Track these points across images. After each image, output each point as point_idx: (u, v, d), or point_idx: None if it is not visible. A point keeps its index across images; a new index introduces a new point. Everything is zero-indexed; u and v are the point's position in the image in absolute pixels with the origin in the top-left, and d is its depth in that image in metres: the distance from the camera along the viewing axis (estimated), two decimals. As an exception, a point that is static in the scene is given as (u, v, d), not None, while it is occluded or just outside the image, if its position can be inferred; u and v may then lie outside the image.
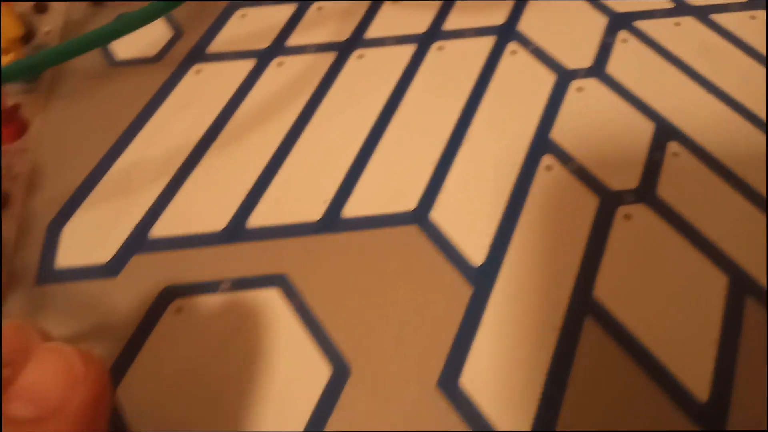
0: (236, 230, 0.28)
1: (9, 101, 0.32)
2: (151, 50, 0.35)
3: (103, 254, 0.28)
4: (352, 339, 0.25)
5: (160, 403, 0.24)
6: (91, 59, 0.34)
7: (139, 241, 0.28)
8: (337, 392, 0.24)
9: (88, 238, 0.28)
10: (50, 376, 0.18)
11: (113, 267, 0.27)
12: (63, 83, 0.34)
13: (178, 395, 0.24)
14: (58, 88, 0.34)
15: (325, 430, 0.24)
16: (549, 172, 0.29)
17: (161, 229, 0.28)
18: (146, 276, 0.27)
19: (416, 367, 0.25)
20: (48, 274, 0.27)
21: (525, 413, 0.24)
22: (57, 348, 0.18)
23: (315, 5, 0.37)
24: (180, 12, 0.37)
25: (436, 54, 0.34)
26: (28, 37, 0.35)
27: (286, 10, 0.37)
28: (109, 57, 0.35)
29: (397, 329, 0.26)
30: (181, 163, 0.30)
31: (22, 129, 0.32)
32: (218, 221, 0.29)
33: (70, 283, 0.27)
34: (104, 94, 0.33)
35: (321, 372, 0.25)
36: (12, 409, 0.17)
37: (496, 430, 0.23)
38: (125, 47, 0.35)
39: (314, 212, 0.29)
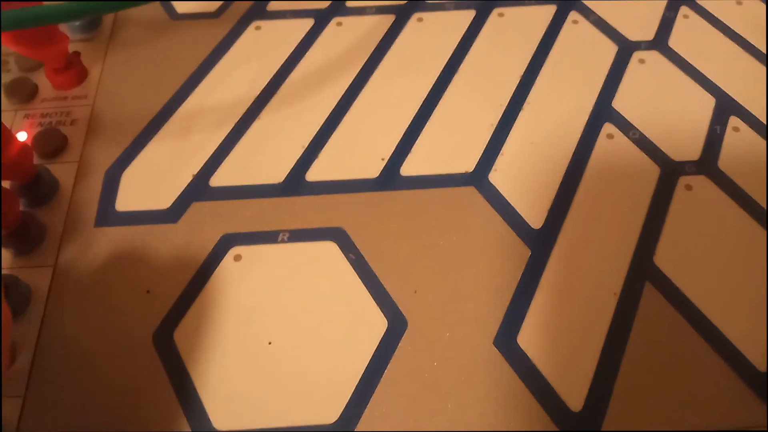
0: (294, 183, 0.28)
1: (70, 48, 0.32)
2: (212, 6, 0.35)
3: (163, 200, 0.28)
4: (409, 294, 0.25)
5: (215, 346, 0.24)
6: (152, 11, 0.34)
7: (199, 189, 0.28)
8: (393, 344, 0.24)
9: (148, 184, 0.28)
10: None
11: (173, 213, 0.28)
12: (123, 33, 0.34)
13: (235, 340, 0.25)
14: (118, 38, 0.34)
15: (382, 379, 0.24)
16: (610, 140, 0.29)
17: (221, 178, 0.28)
18: (205, 223, 0.27)
19: (472, 324, 0.25)
20: (107, 216, 0.28)
21: (583, 374, 0.24)
22: None
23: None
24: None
25: (496, 20, 0.34)
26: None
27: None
28: (170, 10, 0.35)
29: (454, 287, 0.26)
30: (240, 115, 0.30)
31: (81, 75, 0.32)
32: (277, 174, 0.29)
33: (129, 226, 0.27)
34: (164, 46, 0.33)
35: (378, 324, 0.25)
36: None
37: (554, 388, 0.23)
38: (186, 2, 0.35)
39: (372, 169, 0.29)
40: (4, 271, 0.26)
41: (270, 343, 0.24)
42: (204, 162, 0.29)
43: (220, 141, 0.30)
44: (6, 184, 0.27)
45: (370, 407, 0.23)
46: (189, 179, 0.28)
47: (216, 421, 0.23)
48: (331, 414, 0.23)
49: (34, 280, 0.26)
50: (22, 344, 0.24)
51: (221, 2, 0.35)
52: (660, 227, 0.27)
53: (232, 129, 0.30)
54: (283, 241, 0.27)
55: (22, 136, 0.30)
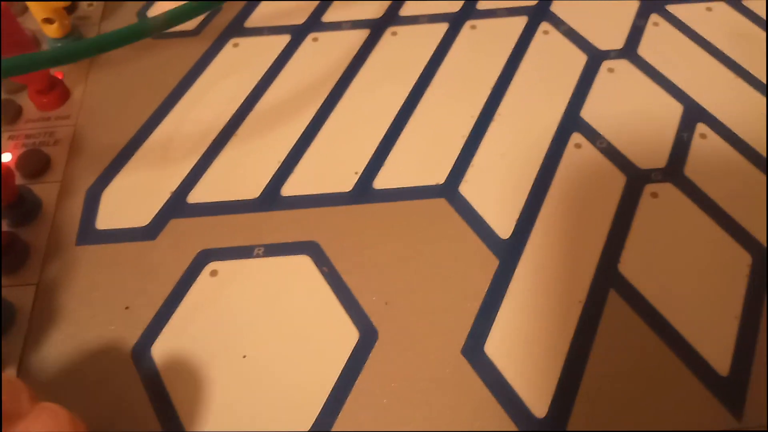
0: (270, 198, 0.29)
1: (52, 70, 0.33)
2: (191, 24, 0.36)
3: (142, 218, 0.29)
4: (380, 306, 0.26)
5: (192, 360, 0.25)
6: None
7: (176, 206, 0.29)
8: (364, 355, 0.25)
9: (128, 202, 0.29)
10: None
11: (151, 230, 0.28)
12: (104, 54, 0.35)
13: (211, 354, 0.25)
14: (99, 58, 0.35)
15: (353, 389, 0.24)
16: (578, 150, 0.30)
17: (198, 195, 0.29)
18: (183, 239, 0.28)
19: (442, 333, 0.25)
20: (88, 235, 0.28)
21: (548, 381, 0.24)
22: (50, 409, 0.19)
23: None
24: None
25: (469, 32, 0.35)
26: (72, 7, 0.36)
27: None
28: (149, 29, 0.35)
29: (424, 297, 0.26)
30: (218, 132, 0.31)
31: (64, 96, 0.33)
32: (253, 189, 0.29)
33: (109, 244, 0.28)
34: (144, 65, 0.34)
35: (350, 335, 0.26)
36: None
37: (519, 396, 0.24)
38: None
39: (346, 183, 0.29)
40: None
41: (244, 357, 0.25)
42: (182, 179, 0.30)
43: (198, 158, 0.30)
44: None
45: (341, 416, 0.24)
46: (167, 197, 0.29)
47: (191, 433, 0.24)
48: (304, 423, 0.24)
49: (18, 298, 0.27)
50: (7, 361, 0.25)
51: (200, 20, 0.36)
52: (625, 235, 0.27)
53: (210, 146, 0.31)
54: (258, 256, 0.28)
55: (6, 157, 0.30)
